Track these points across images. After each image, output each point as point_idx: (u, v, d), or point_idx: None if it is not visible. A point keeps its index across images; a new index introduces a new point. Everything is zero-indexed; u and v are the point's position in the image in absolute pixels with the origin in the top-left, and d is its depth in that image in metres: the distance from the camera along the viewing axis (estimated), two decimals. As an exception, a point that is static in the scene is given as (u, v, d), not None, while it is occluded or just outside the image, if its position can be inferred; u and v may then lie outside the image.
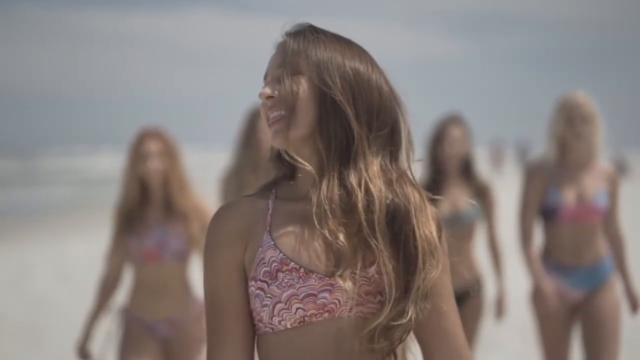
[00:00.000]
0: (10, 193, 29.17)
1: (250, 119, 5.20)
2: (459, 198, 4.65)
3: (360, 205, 1.70)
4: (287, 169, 1.80)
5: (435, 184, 4.59)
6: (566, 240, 4.35)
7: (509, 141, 46.58)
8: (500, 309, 4.80)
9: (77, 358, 4.25)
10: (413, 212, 1.72)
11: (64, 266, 11.91)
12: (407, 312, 1.67)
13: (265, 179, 1.82)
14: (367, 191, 1.71)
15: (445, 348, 1.76)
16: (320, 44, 1.75)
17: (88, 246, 13.42)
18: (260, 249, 1.71)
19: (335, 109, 1.72)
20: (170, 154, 4.27)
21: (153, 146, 4.23)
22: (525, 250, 4.46)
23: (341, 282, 1.67)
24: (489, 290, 4.85)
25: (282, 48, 1.77)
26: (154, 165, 4.21)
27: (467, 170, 4.75)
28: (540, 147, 4.65)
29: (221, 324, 1.73)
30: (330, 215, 1.69)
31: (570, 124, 4.36)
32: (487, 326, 5.89)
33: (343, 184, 1.72)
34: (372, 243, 1.68)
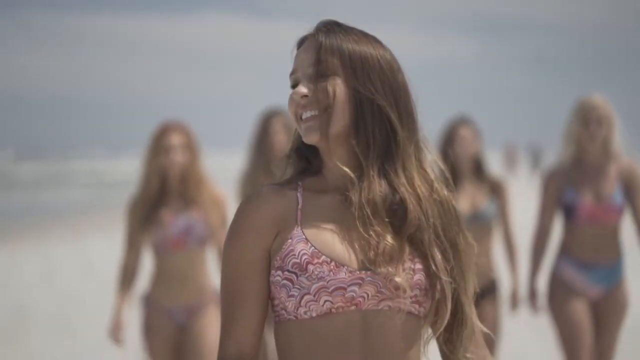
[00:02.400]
0: (36, 194, 29.55)
1: (263, 122, 5.23)
2: (476, 196, 4.73)
3: (412, 207, 1.69)
4: (306, 163, 1.79)
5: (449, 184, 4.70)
6: (587, 239, 4.38)
7: (522, 144, 46.45)
8: (514, 304, 4.84)
9: (112, 342, 4.28)
10: (459, 215, 1.75)
11: (87, 262, 12.23)
12: (471, 313, 1.73)
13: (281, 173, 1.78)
14: (416, 195, 1.71)
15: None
16: (352, 42, 1.73)
17: (109, 244, 13.70)
18: (289, 240, 1.69)
19: (374, 111, 1.71)
20: (191, 147, 4.27)
21: (176, 139, 4.24)
22: (535, 249, 4.54)
23: (396, 278, 1.65)
24: (504, 284, 4.95)
25: (313, 44, 1.74)
26: (176, 158, 4.22)
27: (479, 169, 4.82)
28: (553, 150, 4.72)
29: (239, 308, 1.72)
30: (373, 218, 1.68)
31: (585, 125, 4.40)
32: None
33: (389, 184, 1.71)
34: (426, 243, 1.68)
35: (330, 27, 1.75)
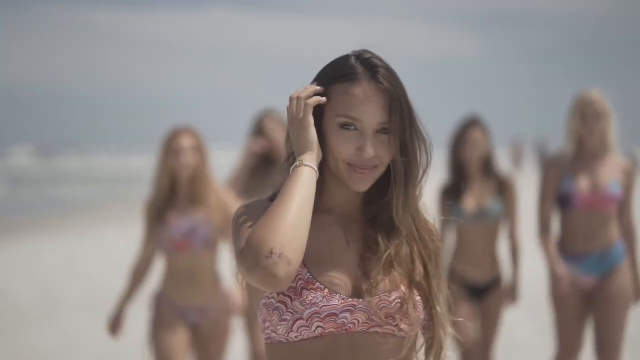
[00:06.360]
0: (54, 189, 29.99)
1: (258, 120, 5.17)
2: (483, 195, 4.71)
3: (404, 246, 1.75)
4: None
5: (459, 185, 4.70)
6: (580, 228, 4.40)
7: (528, 139, 46.27)
8: (513, 298, 4.77)
9: (109, 333, 4.32)
10: (429, 240, 1.78)
11: (104, 251, 12.63)
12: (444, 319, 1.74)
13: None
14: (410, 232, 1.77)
15: None
16: (407, 97, 1.74)
17: (123, 234, 14.05)
18: None
19: (408, 154, 1.76)
20: (200, 150, 4.29)
21: (186, 142, 4.25)
22: (542, 238, 4.49)
23: (368, 304, 1.68)
24: (505, 278, 4.81)
25: (381, 99, 1.72)
26: (186, 160, 4.23)
27: (488, 167, 4.77)
28: (558, 144, 4.69)
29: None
30: (371, 256, 1.72)
31: (584, 120, 4.43)
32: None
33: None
34: (417, 276, 1.73)
35: (392, 80, 1.74)
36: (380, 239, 1.74)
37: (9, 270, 11.09)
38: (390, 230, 1.75)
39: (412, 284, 1.73)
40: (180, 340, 4.16)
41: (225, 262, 4.73)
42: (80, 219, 18.31)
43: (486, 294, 4.72)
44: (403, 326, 1.70)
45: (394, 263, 1.72)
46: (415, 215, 1.77)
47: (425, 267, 1.75)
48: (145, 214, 4.31)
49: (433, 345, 1.75)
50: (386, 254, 1.72)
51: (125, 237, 13.23)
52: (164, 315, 4.20)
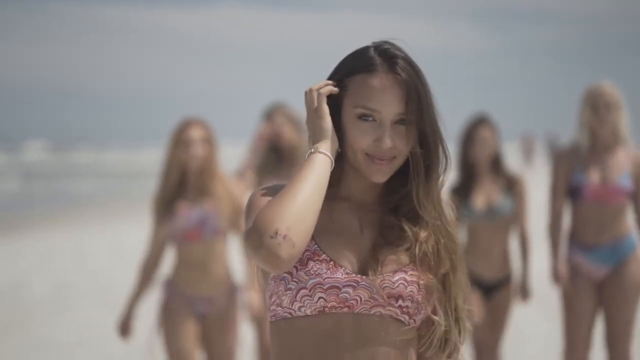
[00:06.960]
0: (67, 183, 30.20)
1: (268, 114, 5.21)
2: (492, 192, 4.71)
3: (423, 235, 1.75)
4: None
5: (468, 183, 4.71)
6: (591, 220, 4.38)
7: (539, 134, 46.19)
8: (524, 294, 4.76)
9: (119, 334, 4.27)
10: (453, 234, 1.76)
11: (116, 244, 12.75)
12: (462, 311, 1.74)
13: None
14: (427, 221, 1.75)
15: None
16: (427, 90, 1.73)
17: (135, 227, 14.18)
18: None
19: (428, 145, 1.75)
20: (210, 141, 4.27)
21: (195, 133, 4.22)
22: (551, 230, 4.52)
23: (371, 282, 1.68)
24: (515, 275, 4.81)
25: (398, 90, 1.71)
26: (196, 151, 4.22)
27: (497, 165, 4.76)
28: (569, 137, 4.68)
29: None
30: (384, 237, 1.73)
31: (595, 111, 4.43)
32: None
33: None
34: (427, 261, 1.72)
35: (410, 71, 1.73)
36: (407, 228, 1.74)
37: (21, 264, 11.15)
38: (415, 221, 1.75)
39: (436, 275, 1.73)
40: (190, 335, 4.14)
41: (235, 257, 4.76)
42: (92, 213, 18.44)
43: (495, 291, 4.71)
44: (411, 310, 1.71)
45: (427, 253, 1.72)
46: (438, 206, 1.76)
47: (450, 260, 1.75)
48: (153, 208, 4.27)
49: (448, 340, 1.75)
50: (418, 242, 1.72)
51: (138, 230, 13.32)
52: (173, 305, 4.19)
